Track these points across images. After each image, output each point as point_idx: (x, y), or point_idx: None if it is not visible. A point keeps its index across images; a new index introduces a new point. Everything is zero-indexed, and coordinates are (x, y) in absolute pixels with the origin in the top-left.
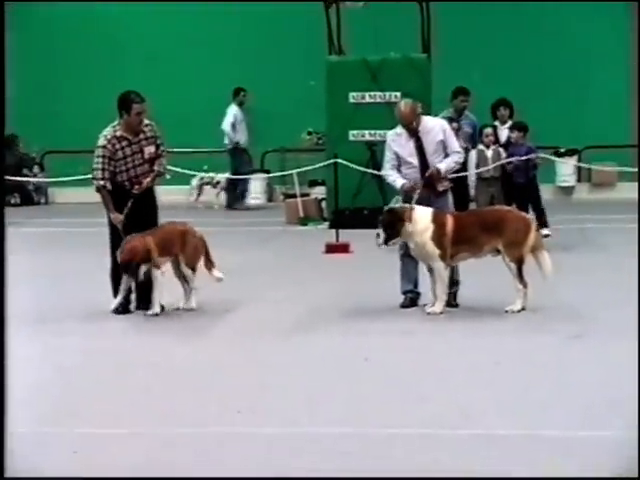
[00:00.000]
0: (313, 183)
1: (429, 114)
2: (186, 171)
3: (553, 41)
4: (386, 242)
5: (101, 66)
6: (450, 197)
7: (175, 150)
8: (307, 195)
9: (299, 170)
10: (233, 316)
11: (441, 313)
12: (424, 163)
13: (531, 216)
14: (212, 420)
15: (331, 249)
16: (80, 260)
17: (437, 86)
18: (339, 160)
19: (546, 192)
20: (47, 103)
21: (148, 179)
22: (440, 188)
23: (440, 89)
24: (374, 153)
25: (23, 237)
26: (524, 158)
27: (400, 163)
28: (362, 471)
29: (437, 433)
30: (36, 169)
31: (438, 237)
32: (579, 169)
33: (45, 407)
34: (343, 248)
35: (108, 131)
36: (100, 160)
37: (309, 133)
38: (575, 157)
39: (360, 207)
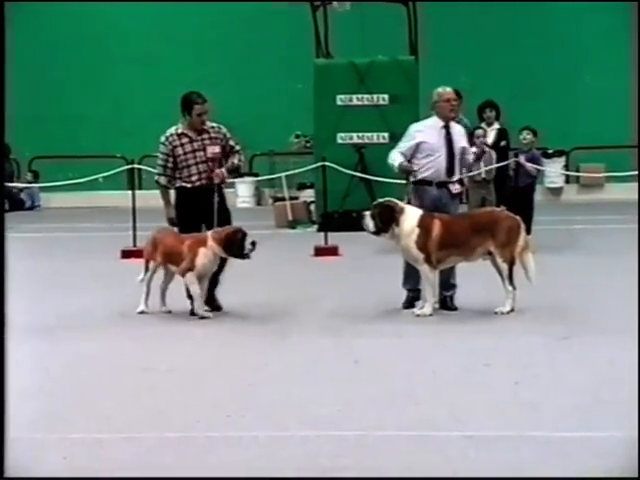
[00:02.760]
0: (302, 186)
1: (417, 117)
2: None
3: (540, 42)
4: (376, 233)
5: (88, 70)
6: (458, 200)
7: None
8: (296, 198)
9: (287, 173)
10: (222, 319)
11: (430, 315)
12: (451, 156)
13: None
14: (202, 424)
15: (320, 252)
16: (70, 265)
17: (424, 88)
18: (327, 163)
19: (535, 193)
20: (33, 108)
21: (223, 169)
22: (454, 191)
23: (428, 91)
24: (362, 156)
25: (12, 243)
26: (502, 164)
27: (416, 155)
28: (352, 473)
29: (427, 435)
30: (29, 176)
31: (422, 241)
32: (567, 169)
33: (35, 413)
34: (332, 251)
35: (170, 129)
36: (160, 157)
37: (297, 136)
38: (563, 158)
39: (349, 210)
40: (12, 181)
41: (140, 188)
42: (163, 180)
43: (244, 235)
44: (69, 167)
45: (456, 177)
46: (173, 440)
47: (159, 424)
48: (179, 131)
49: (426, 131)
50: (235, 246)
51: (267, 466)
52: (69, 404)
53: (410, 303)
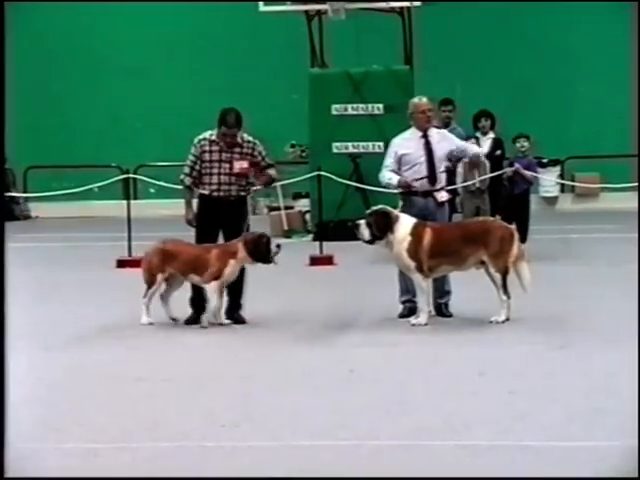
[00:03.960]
0: (297, 196)
1: (410, 125)
2: (170, 185)
3: (535, 52)
4: (371, 241)
5: (83, 80)
6: (447, 208)
7: (159, 164)
8: (291, 208)
9: (283, 183)
10: (217, 329)
11: (425, 324)
12: (432, 164)
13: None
14: (196, 434)
15: (315, 261)
16: (65, 275)
17: None
18: (322, 173)
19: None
20: (28, 118)
21: (264, 177)
22: (440, 199)
23: None
24: (358, 165)
25: (7, 253)
26: (496, 173)
27: (401, 168)
28: None
29: (422, 444)
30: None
31: (414, 249)
32: (562, 178)
33: (29, 422)
34: (327, 260)
35: (205, 133)
36: (189, 157)
37: (292, 146)
38: (558, 167)
39: (344, 219)
40: (9, 191)
41: (135, 198)
42: (188, 181)
43: (269, 239)
44: (64, 177)
45: (440, 185)
46: (168, 450)
47: (154, 434)
48: (212, 137)
49: (405, 143)
50: (262, 251)
51: (261, 476)
52: (63, 413)
53: (407, 314)
